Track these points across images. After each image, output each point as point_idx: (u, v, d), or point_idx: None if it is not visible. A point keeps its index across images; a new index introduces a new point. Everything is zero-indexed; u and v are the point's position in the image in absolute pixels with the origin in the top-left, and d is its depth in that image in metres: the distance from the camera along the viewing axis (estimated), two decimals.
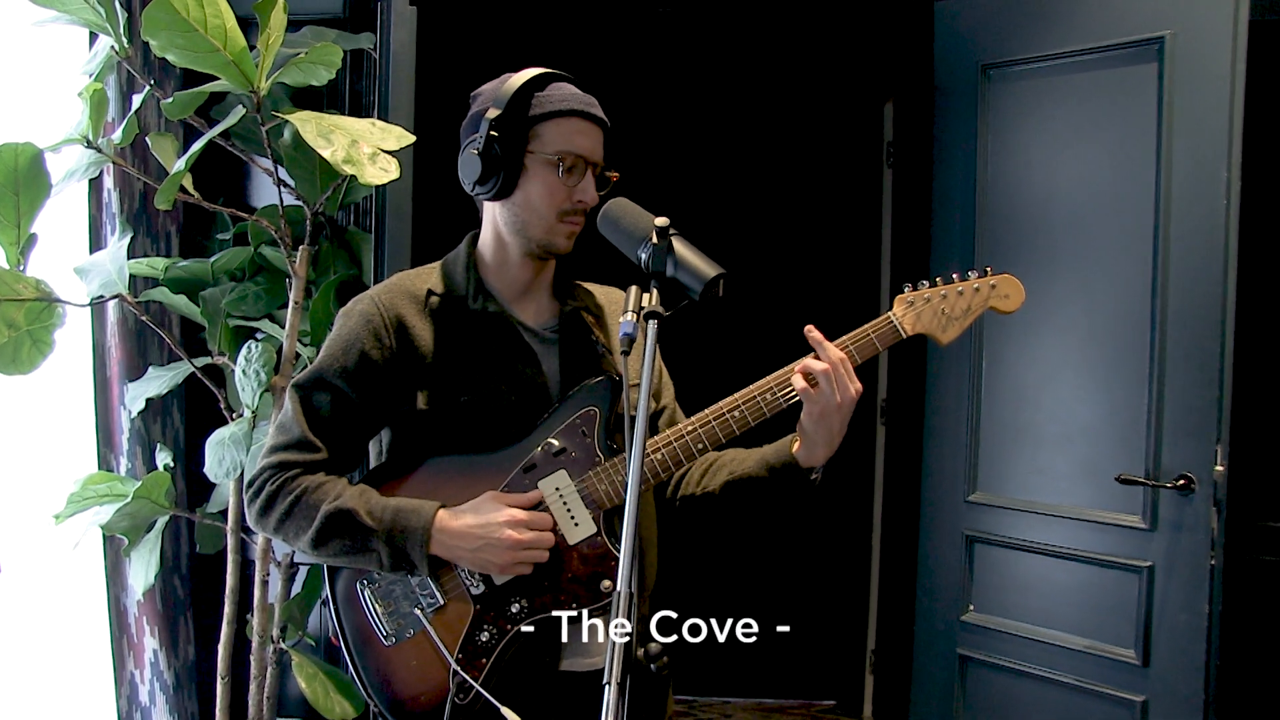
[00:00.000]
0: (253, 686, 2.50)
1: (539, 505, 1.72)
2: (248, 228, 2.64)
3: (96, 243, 2.67)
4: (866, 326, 1.77)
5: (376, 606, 1.73)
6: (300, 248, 2.40)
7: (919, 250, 3.14)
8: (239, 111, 2.15)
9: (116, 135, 2.34)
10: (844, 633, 4.40)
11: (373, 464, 1.90)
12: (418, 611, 1.71)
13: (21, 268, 2.12)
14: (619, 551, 1.71)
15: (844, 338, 1.74)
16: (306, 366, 1.87)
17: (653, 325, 1.48)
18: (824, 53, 4.35)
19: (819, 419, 1.68)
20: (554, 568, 1.71)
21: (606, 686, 1.15)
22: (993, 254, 2.82)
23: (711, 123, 4.46)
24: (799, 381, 1.69)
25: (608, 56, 4.14)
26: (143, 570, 2.64)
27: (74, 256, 2.62)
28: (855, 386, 1.68)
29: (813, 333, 1.70)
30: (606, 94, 1.82)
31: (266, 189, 2.93)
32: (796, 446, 1.75)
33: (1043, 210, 2.79)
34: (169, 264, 2.59)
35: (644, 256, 1.55)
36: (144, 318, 2.50)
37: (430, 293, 1.80)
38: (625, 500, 1.71)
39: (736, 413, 1.73)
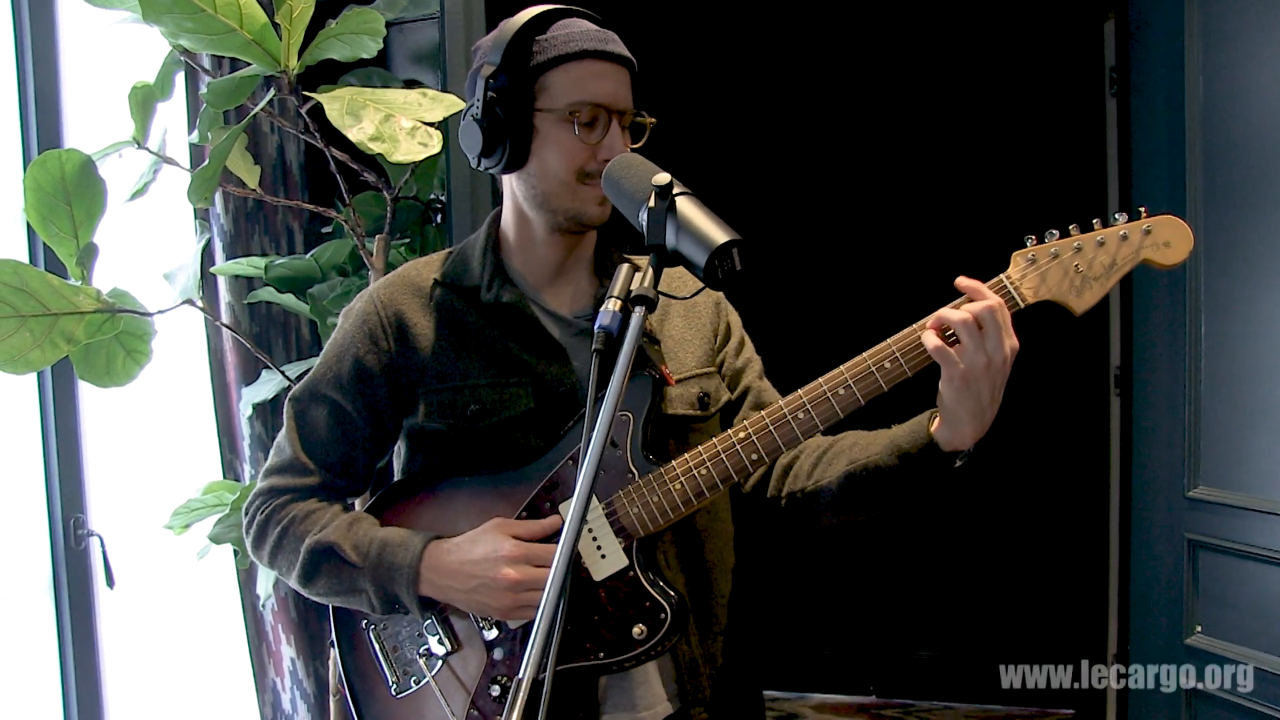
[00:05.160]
0: None
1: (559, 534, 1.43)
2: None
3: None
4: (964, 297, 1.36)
5: (382, 651, 1.50)
6: (377, 237, 2.22)
7: None
8: (269, 94, 1.98)
9: (194, 136, 2.24)
10: (1082, 633, 3.84)
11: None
12: (421, 660, 1.47)
13: (87, 280, 2.04)
14: (657, 591, 1.40)
15: (928, 318, 1.35)
16: None
17: (638, 315, 1.15)
18: None
19: (962, 386, 1.30)
20: (578, 608, 1.41)
21: None
22: (1209, 191, 2.26)
23: (899, 59, 3.98)
24: (931, 339, 1.32)
25: None
26: (264, 578, 2.57)
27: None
28: (1012, 343, 1.30)
29: (964, 280, 1.35)
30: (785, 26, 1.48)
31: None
32: (936, 425, 1.36)
33: None
34: (268, 262, 2.48)
35: (644, 223, 1.23)
36: (219, 323, 2.41)
37: (436, 283, 1.55)
38: (664, 526, 1.44)
39: (841, 390, 1.38)
